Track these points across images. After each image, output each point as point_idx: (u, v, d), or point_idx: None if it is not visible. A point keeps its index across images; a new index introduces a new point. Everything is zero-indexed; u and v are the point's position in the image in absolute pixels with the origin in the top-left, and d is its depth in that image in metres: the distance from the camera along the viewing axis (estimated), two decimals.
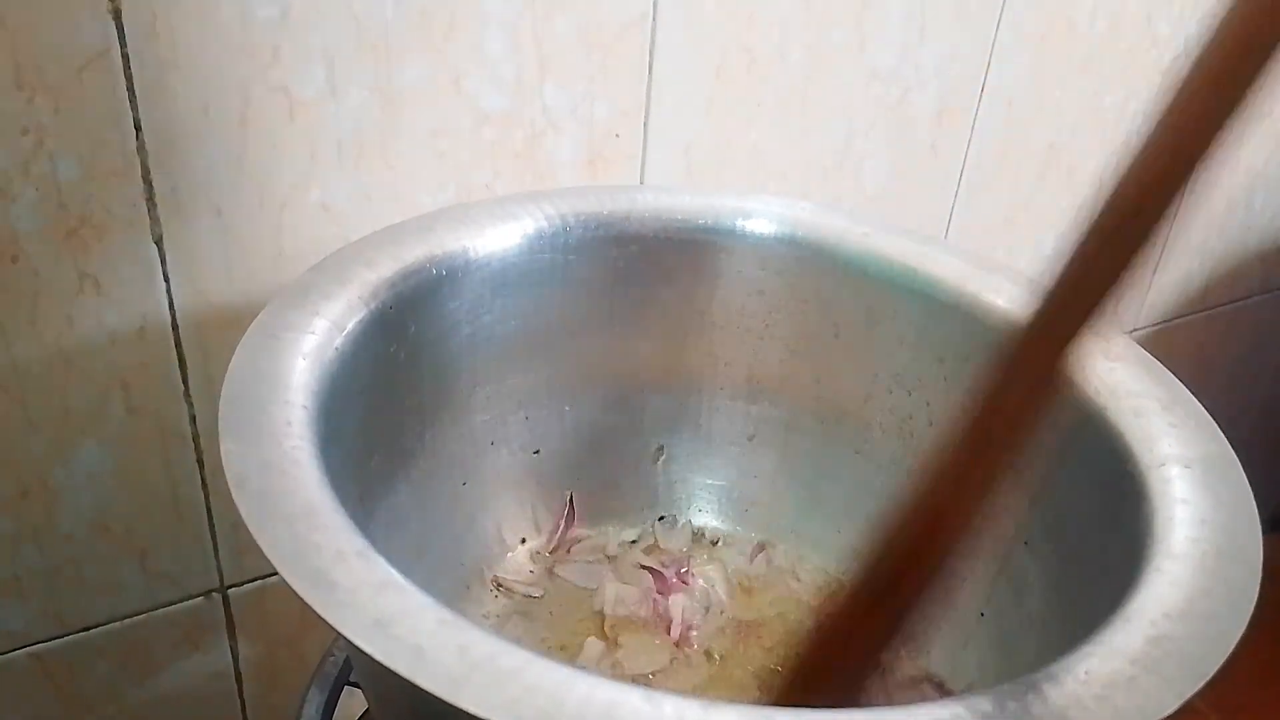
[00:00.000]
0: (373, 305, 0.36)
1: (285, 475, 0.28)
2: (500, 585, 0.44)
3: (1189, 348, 0.90)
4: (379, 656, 0.23)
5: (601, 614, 0.44)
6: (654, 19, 0.51)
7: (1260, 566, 0.29)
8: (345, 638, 0.24)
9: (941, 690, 0.41)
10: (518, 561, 0.45)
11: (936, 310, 0.42)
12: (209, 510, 0.50)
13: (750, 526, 0.48)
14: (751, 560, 0.47)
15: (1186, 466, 0.33)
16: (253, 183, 0.45)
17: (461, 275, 0.40)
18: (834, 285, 0.44)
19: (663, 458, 0.48)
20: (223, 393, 0.31)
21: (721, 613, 0.45)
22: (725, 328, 0.46)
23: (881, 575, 0.27)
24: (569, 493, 0.46)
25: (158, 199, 0.43)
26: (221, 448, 0.29)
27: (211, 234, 0.45)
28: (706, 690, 0.41)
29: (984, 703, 0.24)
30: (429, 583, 0.26)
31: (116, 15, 0.39)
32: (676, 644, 0.43)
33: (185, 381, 0.47)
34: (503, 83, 0.48)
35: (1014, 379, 0.27)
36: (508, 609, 0.43)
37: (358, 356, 0.35)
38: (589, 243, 0.43)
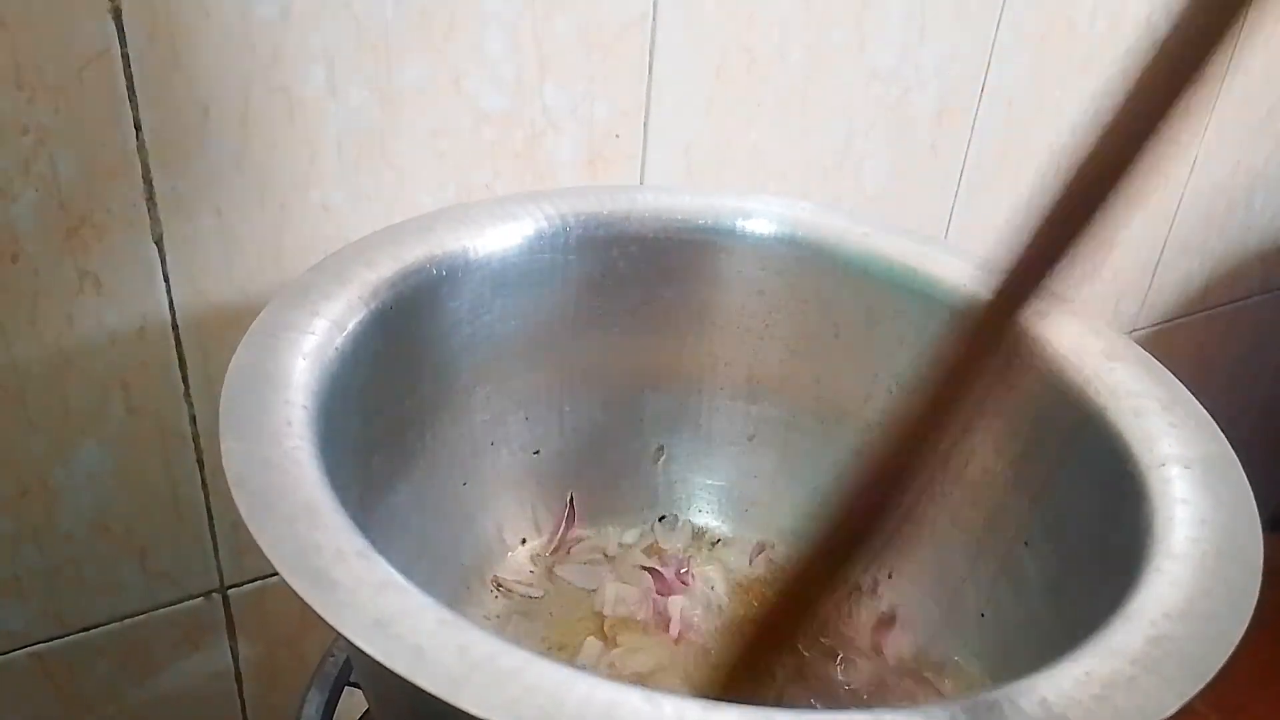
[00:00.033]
0: (373, 305, 0.36)
1: (285, 475, 0.28)
2: (500, 585, 0.44)
3: (1189, 348, 0.90)
4: (379, 657, 0.23)
5: (601, 614, 0.44)
6: (654, 19, 0.51)
7: (1260, 567, 0.29)
8: (345, 638, 0.24)
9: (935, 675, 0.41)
10: (518, 562, 0.45)
11: (937, 310, 0.42)
12: (209, 510, 0.50)
13: (750, 526, 0.48)
14: (751, 561, 0.47)
15: (1186, 466, 0.33)
16: (253, 182, 0.45)
17: (461, 275, 0.40)
18: (834, 285, 0.44)
19: (663, 458, 0.48)
20: (223, 392, 0.31)
21: (721, 611, 0.45)
22: (725, 328, 0.46)
23: (842, 533, 0.29)
24: (569, 493, 0.46)
25: (158, 198, 0.43)
26: (222, 447, 0.29)
27: (211, 233, 0.45)
28: (705, 690, 0.41)
29: (985, 703, 0.24)
30: (429, 583, 0.26)
31: (117, 15, 0.39)
32: (675, 643, 0.43)
33: (185, 381, 0.47)
34: (503, 83, 0.48)
35: (971, 350, 0.29)
36: (508, 609, 0.43)
37: (358, 356, 0.35)
38: (589, 243, 0.43)
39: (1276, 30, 0.73)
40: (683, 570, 0.46)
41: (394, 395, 0.39)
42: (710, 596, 0.45)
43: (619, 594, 0.44)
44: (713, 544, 0.48)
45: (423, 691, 0.23)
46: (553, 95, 0.50)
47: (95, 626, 0.50)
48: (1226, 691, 0.27)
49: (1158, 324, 0.86)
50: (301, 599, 0.24)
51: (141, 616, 0.51)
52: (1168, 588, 0.28)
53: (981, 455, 0.41)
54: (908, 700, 0.40)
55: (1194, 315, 0.88)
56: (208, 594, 0.53)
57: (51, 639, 0.50)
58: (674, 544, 0.47)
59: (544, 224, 0.42)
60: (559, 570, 0.45)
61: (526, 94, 0.49)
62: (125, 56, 0.40)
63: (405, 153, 0.48)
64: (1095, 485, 0.35)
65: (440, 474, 0.42)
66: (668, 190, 0.46)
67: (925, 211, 0.67)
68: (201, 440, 0.49)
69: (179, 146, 0.43)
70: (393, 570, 0.26)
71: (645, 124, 0.53)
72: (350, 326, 0.35)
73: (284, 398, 0.31)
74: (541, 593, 0.44)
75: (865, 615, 0.44)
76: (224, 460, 0.28)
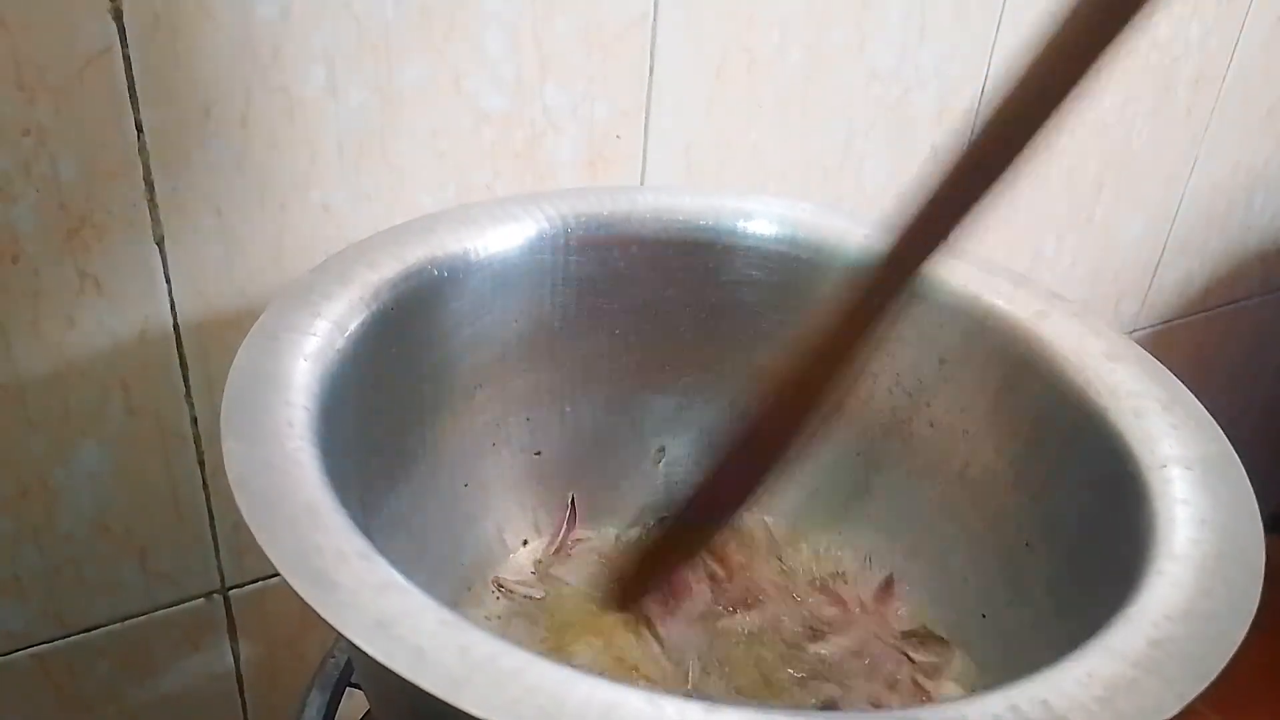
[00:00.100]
0: (374, 306, 0.36)
1: (287, 476, 0.28)
2: (501, 586, 0.44)
3: (1189, 348, 0.90)
4: (380, 657, 0.23)
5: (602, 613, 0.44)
6: (655, 19, 0.51)
7: (1262, 567, 0.29)
8: (346, 638, 0.24)
9: (941, 644, 0.41)
10: (518, 562, 0.45)
11: (937, 311, 0.42)
12: (210, 511, 0.50)
13: (750, 527, 0.48)
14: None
15: (1187, 467, 0.33)
16: (253, 183, 0.45)
17: (463, 276, 0.40)
18: (834, 286, 0.44)
19: (664, 459, 0.48)
20: (225, 393, 0.31)
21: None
22: (726, 329, 0.46)
23: (742, 444, 0.33)
24: (570, 494, 0.46)
25: (159, 199, 0.43)
26: (223, 448, 0.29)
27: (212, 234, 0.45)
28: (700, 687, 0.41)
29: (985, 705, 0.24)
30: (430, 584, 0.26)
31: (118, 16, 0.39)
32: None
33: (186, 382, 0.47)
34: (503, 83, 0.48)
35: (867, 297, 0.31)
36: (508, 610, 0.43)
37: (359, 357, 0.35)
38: (590, 244, 0.43)
39: (1276, 31, 0.74)
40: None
41: (395, 396, 0.39)
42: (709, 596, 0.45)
43: None
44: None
45: (424, 692, 0.23)
46: (553, 95, 0.50)
47: (96, 627, 0.50)
48: (1228, 693, 0.27)
49: (1158, 324, 0.86)
50: (303, 600, 0.24)
51: (142, 617, 0.51)
52: (1169, 589, 0.28)
53: (982, 455, 0.41)
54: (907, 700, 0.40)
55: (1194, 316, 0.88)
56: (208, 595, 0.53)
57: (52, 640, 0.50)
58: None
59: (545, 225, 0.42)
60: (560, 571, 0.45)
61: (527, 94, 0.49)
62: (126, 57, 0.40)
63: (405, 153, 0.48)
64: (1096, 486, 0.35)
65: (441, 475, 0.42)
66: (668, 191, 0.46)
67: None
68: (202, 441, 0.49)
69: (180, 147, 0.43)
70: (394, 571, 0.26)
71: (646, 124, 0.53)
72: (351, 328, 0.35)
73: (285, 399, 0.31)
74: (542, 594, 0.44)
75: (870, 616, 0.44)
76: (225, 461, 0.28)
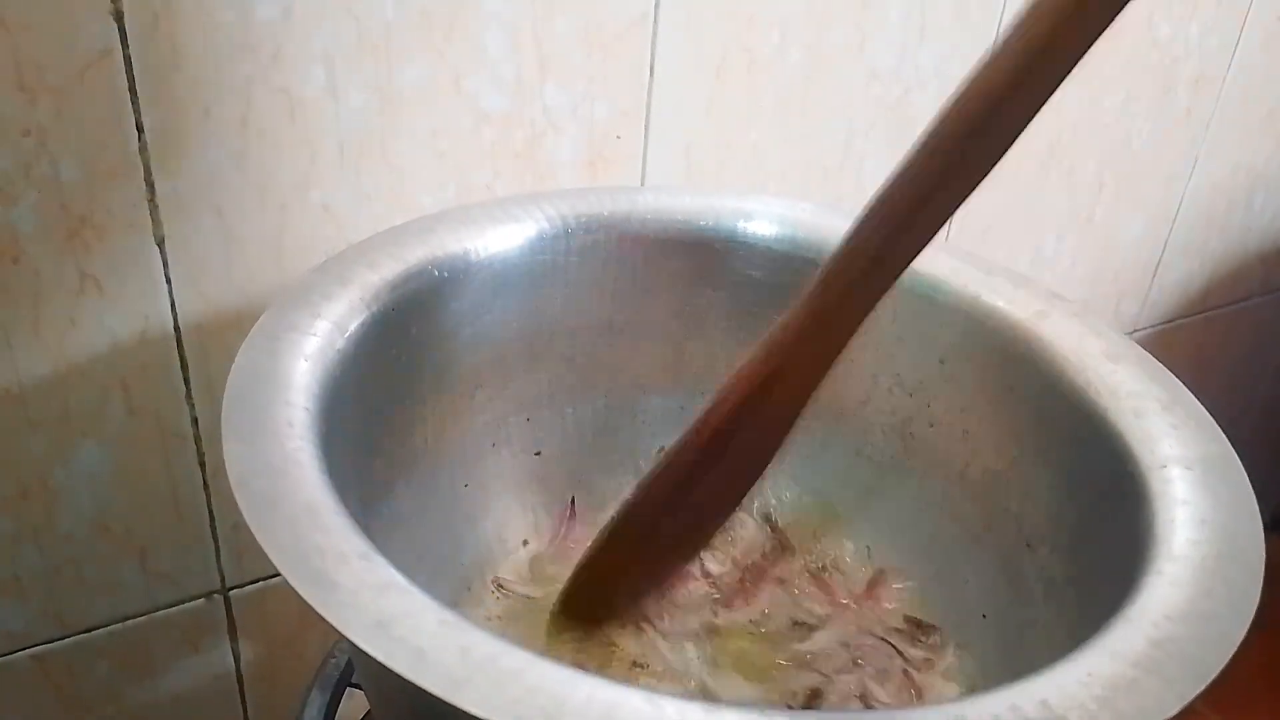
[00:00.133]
0: (374, 307, 0.36)
1: (287, 476, 0.28)
2: (501, 587, 0.44)
3: (1189, 348, 0.90)
4: (380, 657, 0.23)
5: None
6: (655, 19, 0.51)
7: (1262, 568, 0.29)
8: (347, 639, 0.24)
9: (925, 630, 0.41)
10: (518, 562, 0.45)
11: (937, 311, 0.42)
12: (210, 511, 0.50)
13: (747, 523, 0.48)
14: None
15: (1187, 467, 0.33)
16: (254, 183, 0.45)
17: (463, 277, 0.40)
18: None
19: None
20: (225, 394, 0.31)
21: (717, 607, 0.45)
22: (726, 329, 0.46)
23: (714, 437, 0.33)
24: (571, 494, 0.46)
25: (159, 200, 0.43)
26: (224, 448, 0.29)
27: (213, 235, 0.45)
28: (699, 680, 0.42)
29: (985, 705, 0.24)
30: (430, 584, 0.26)
31: (118, 16, 0.39)
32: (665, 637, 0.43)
33: (186, 382, 0.47)
34: (503, 83, 0.48)
35: (835, 282, 0.31)
36: (509, 610, 0.43)
37: (359, 358, 0.35)
38: (590, 244, 0.43)
39: (1276, 31, 0.74)
40: None
41: (395, 397, 0.39)
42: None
43: None
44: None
45: (424, 692, 0.23)
46: (553, 95, 0.50)
47: (95, 628, 0.50)
48: (1228, 693, 0.27)
49: (1158, 325, 0.86)
50: (303, 600, 0.24)
51: (142, 618, 0.51)
52: (1169, 589, 0.28)
53: (983, 456, 0.41)
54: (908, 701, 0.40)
55: (1194, 316, 0.88)
56: (209, 595, 0.53)
57: (51, 640, 0.50)
58: None
59: (545, 225, 0.42)
60: (560, 571, 0.45)
61: (527, 94, 0.49)
62: (127, 58, 0.40)
63: (406, 153, 0.48)
64: (1096, 486, 0.35)
65: (441, 475, 0.42)
66: (668, 191, 0.46)
67: None
68: (203, 441, 0.49)
69: (180, 147, 0.43)
70: (394, 571, 0.26)
71: (646, 124, 0.53)
72: (352, 328, 0.35)
73: (286, 399, 0.31)
74: (542, 594, 0.44)
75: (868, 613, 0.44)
76: (226, 461, 0.28)
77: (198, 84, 0.42)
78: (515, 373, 0.43)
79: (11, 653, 0.49)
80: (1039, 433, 0.39)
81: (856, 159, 0.61)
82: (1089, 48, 0.25)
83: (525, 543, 0.45)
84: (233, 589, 0.53)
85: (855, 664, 0.41)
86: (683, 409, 0.47)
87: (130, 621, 0.51)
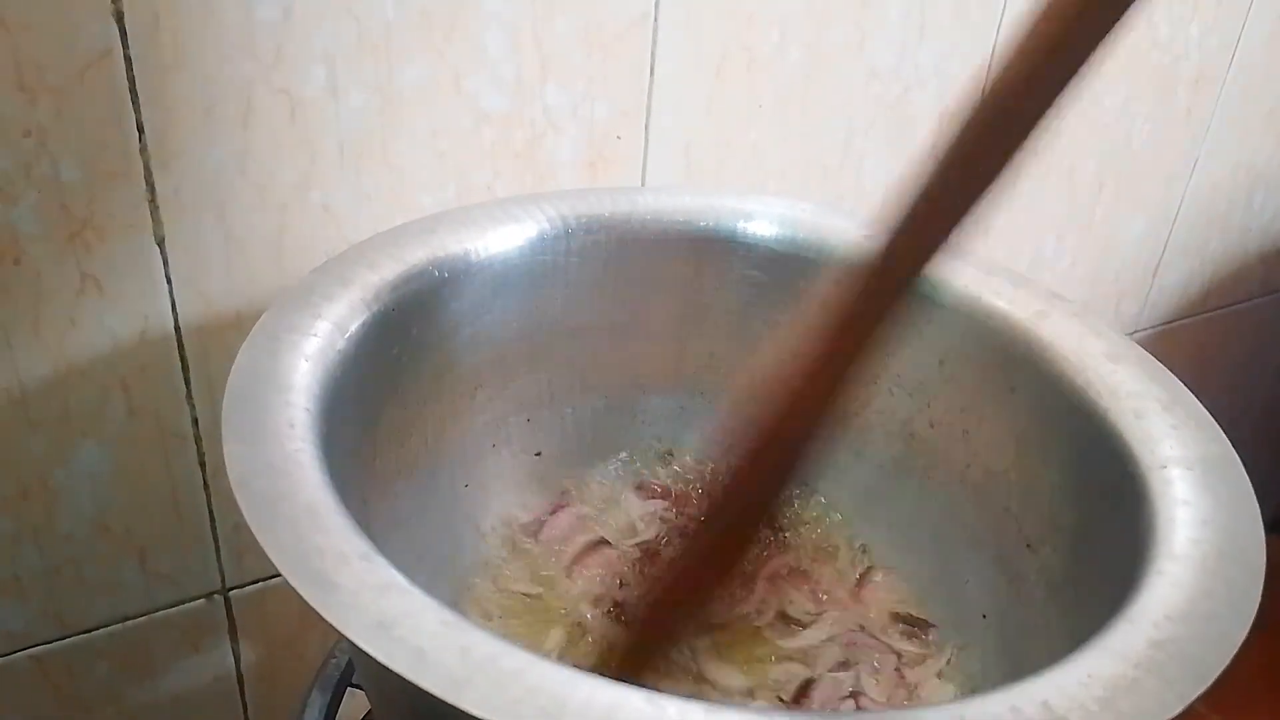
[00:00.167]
0: (375, 307, 0.36)
1: (288, 477, 0.28)
2: (501, 587, 0.44)
3: (1190, 349, 0.90)
4: (381, 658, 0.23)
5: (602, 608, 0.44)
6: (655, 19, 0.51)
7: (1262, 568, 0.29)
8: (347, 639, 0.24)
9: (915, 624, 0.42)
10: (519, 563, 0.45)
11: (938, 312, 0.42)
12: (210, 512, 0.50)
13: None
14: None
15: (1188, 468, 0.33)
16: (254, 183, 0.45)
17: (463, 277, 0.40)
18: (831, 288, 0.44)
19: (665, 460, 0.48)
20: (226, 394, 0.31)
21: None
22: (727, 329, 0.46)
23: (750, 455, 0.31)
24: (571, 494, 0.46)
25: (160, 200, 0.43)
26: (224, 449, 0.29)
27: (213, 235, 0.45)
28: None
29: (985, 705, 0.24)
30: (430, 584, 0.26)
31: (119, 17, 0.39)
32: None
33: (187, 383, 0.47)
34: (503, 83, 0.48)
35: (868, 303, 0.29)
36: (509, 610, 0.43)
37: (360, 358, 0.35)
38: (590, 244, 0.43)
39: (1277, 30, 0.74)
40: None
41: (396, 397, 0.39)
42: None
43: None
44: None
45: (425, 693, 0.23)
46: (553, 96, 0.50)
47: (95, 628, 0.50)
48: (1228, 693, 0.27)
49: (1159, 325, 0.86)
50: (304, 600, 0.24)
51: (142, 618, 0.51)
52: (1169, 589, 0.28)
53: (983, 456, 0.41)
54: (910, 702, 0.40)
55: (1195, 317, 0.88)
56: (209, 595, 0.53)
57: (51, 640, 0.50)
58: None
59: (545, 226, 0.42)
60: (559, 571, 0.45)
61: (527, 94, 0.49)
62: (128, 58, 0.40)
63: (406, 153, 0.48)
64: (1096, 486, 0.35)
65: (442, 475, 0.42)
66: (668, 191, 0.46)
67: None
68: (203, 441, 0.49)
69: (181, 148, 0.43)
70: (395, 571, 0.26)
71: (646, 124, 0.53)
72: (352, 328, 0.35)
73: (286, 399, 0.31)
74: (541, 593, 0.44)
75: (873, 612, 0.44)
76: (227, 462, 0.28)
77: (198, 84, 0.42)
78: (515, 373, 0.43)
79: (11, 653, 0.49)
80: (1039, 433, 0.39)
81: (856, 158, 0.61)
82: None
83: (525, 543, 0.45)
84: (233, 589, 0.53)
85: (847, 659, 0.41)
86: (683, 409, 0.47)
87: (130, 622, 0.51)
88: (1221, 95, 0.76)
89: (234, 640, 0.55)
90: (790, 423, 0.31)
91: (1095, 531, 0.35)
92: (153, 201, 0.43)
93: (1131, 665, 0.25)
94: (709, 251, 0.45)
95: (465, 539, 0.43)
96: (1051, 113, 0.26)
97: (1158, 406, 0.35)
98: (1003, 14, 0.62)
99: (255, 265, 0.46)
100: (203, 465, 0.49)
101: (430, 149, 0.48)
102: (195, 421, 0.48)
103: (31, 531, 0.47)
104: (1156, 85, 0.72)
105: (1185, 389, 0.36)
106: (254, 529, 0.26)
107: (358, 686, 0.43)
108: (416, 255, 0.38)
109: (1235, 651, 0.26)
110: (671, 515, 0.47)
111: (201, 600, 0.52)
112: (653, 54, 0.52)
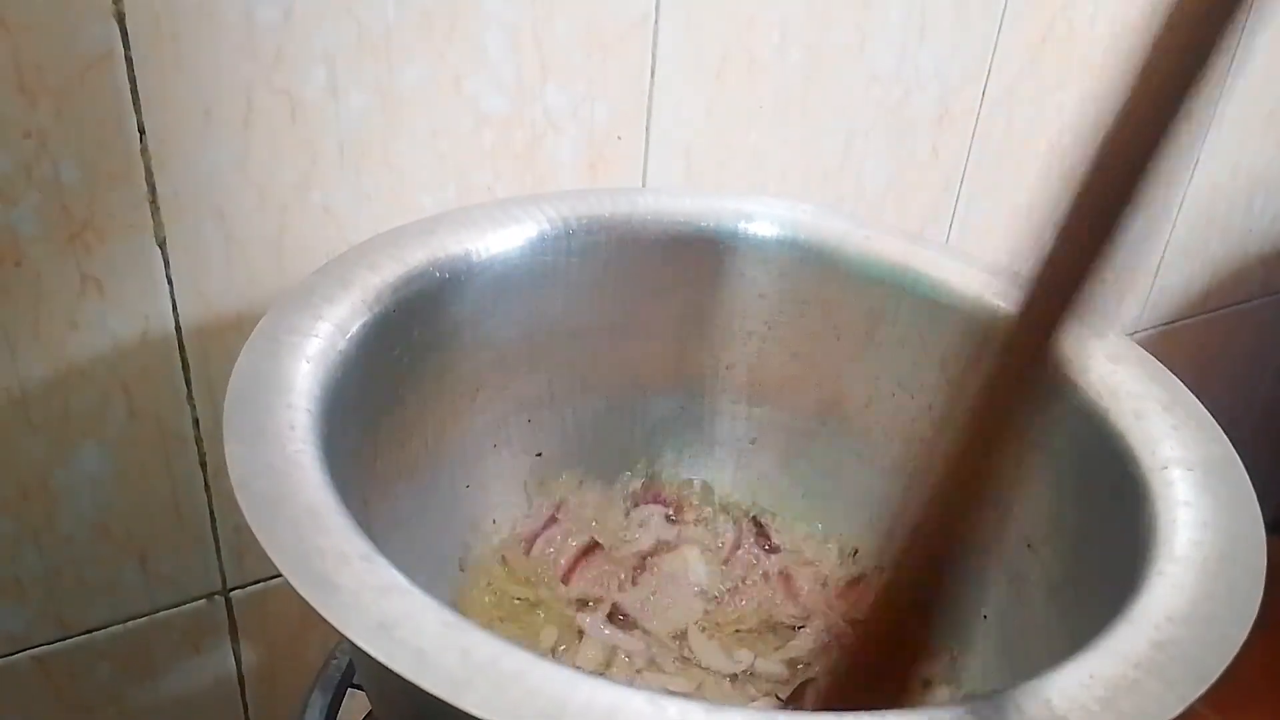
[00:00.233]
0: (376, 309, 0.36)
1: (289, 478, 0.28)
2: (501, 588, 0.44)
3: (1191, 350, 0.90)
4: (382, 659, 0.23)
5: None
6: (656, 20, 0.51)
7: (1263, 569, 0.29)
8: (348, 640, 0.24)
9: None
10: (519, 563, 0.45)
11: (939, 313, 0.42)
12: (211, 513, 0.50)
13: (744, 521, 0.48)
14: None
15: (1189, 469, 0.33)
16: (255, 184, 0.45)
17: (464, 278, 0.40)
18: (836, 288, 0.44)
19: (666, 460, 0.48)
20: (227, 395, 0.31)
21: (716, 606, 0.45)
22: (727, 331, 0.46)
23: (903, 577, 0.28)
24: (571, 495, 0.46)
25: (160, 201, 0.43)
26: (225, 450, 0.29)
27: (214, 236, 0.45)
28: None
29: (987, 706, 0.24)
30: (431, 585, 0.26)
31: (119, 18, 0.40)
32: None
33: (188, 384, 0.47)
34: (504, 84, 0.48)
35: (1005, 373, 0.27)
36: (509, 611, 0.43)
37: (361, 360, 0.35)
38: (591, 246, 0.43)
39: (1277, 33, 0.74)
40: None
41: (396, 398, 0.39)
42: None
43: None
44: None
45: (425, 694, 0.23)
46: (554, 97, 0.50)
47: (96, 629, 0.50)
48: (1229, 693, 0.27)
49: (1159, 326, 0.86)
50: (305, 601, 0.24)
51: (143, 619, 0.51)
52: (1170, 590, 0.28)
53: None
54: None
55: (1196, 318, 0.88)
56: (210, 596, 0.53)
57: (52, 642, 0.50)
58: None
59: (546, 227, 0.42)
60: (559, 572, 0.45)
61: (527, 95, 0.49)
62: (128, 59, 0.40)
63: (406, 154, 0.48)
64: (1097, 487, 0.35)
65: (442, 476, 0.42)
66: (669, 192, 0.46)
67: (927, 214, 0.67)
68: (204, 443, 0.49)
69: (181, 149, 0.43)
70: (396, 572, 0.26)
71: (646, 125, 0.53)
72: (353, 330, 0.35)
73: (287, 401, 0.31)
74: (541, 595, 0.44)
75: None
76: (228, 463, 0.28)
77: (199, 85, 0.42)
78: (516, 374, 0.43)
79: (12, 654, 0.49)
80: (1040, 434, 0.39)
81: (857, 160, 0.61)
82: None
83: (524, 545, 0.45)
84: (234, 590, 0.53)
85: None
86: (683, 409, 0.47)
87: (131, 623, 0.51)
88: (1221, 96, 0.76)
89: (235, 641, 0.55)
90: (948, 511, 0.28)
91: (1096, 532, 0.35)
92: (153, 202, 0.43)
93: (1132, 666, 0.25)
94: (709, 253, 0.45)
95: (466, 540, 0.43)
96: (1160, 160, 0.25)
97: (1158, 407, 0.35)
98: (1003, 16, 0.62)
99: (256, 266, 0.46)
100: (203, 466, 0.49)
101: (430, 150, 0.48)
102: (196, 423, 0.48)
103: (32, 533, 0.47)
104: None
105: (1186, 390, 0.36)
106: (255, 530, 0.26)
107: (358, 687, 0.43)
108: (417, 256, 0.38)
109: (1236, 652, 0.26)
110: (671, 518, 0.48)
111: (202, 601, 0.52)
112: (653, 55, 0.52)
